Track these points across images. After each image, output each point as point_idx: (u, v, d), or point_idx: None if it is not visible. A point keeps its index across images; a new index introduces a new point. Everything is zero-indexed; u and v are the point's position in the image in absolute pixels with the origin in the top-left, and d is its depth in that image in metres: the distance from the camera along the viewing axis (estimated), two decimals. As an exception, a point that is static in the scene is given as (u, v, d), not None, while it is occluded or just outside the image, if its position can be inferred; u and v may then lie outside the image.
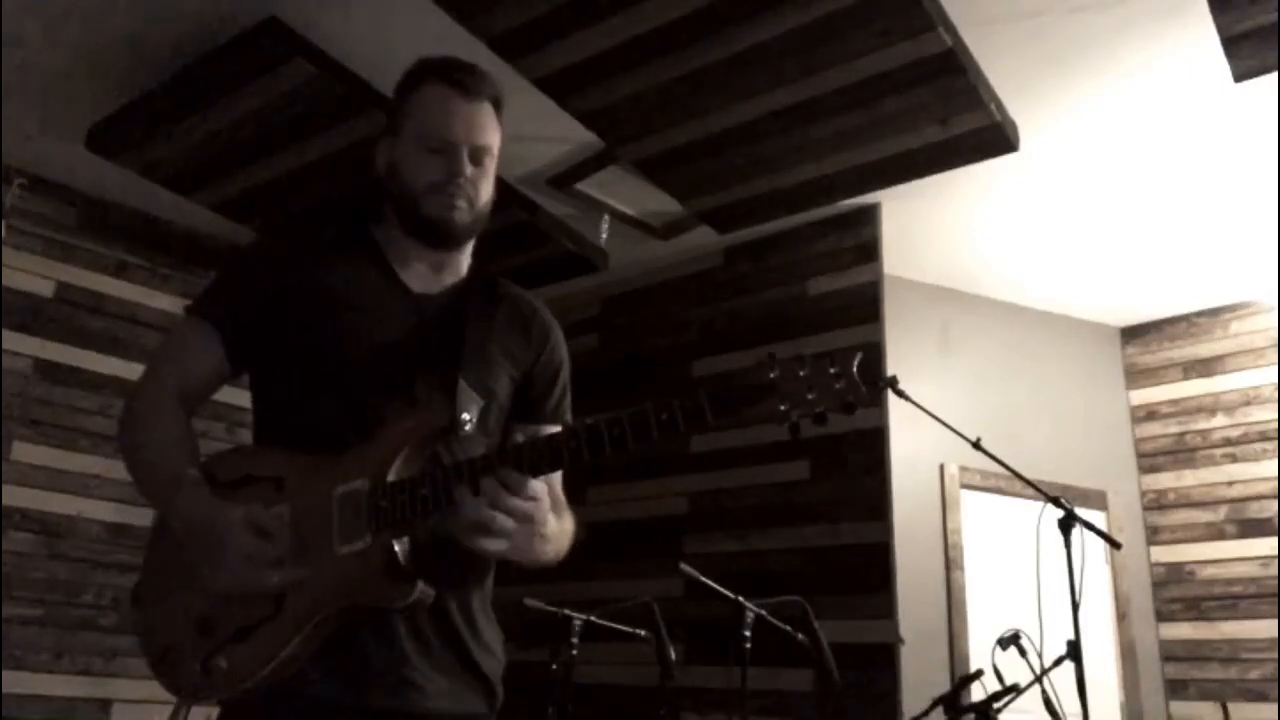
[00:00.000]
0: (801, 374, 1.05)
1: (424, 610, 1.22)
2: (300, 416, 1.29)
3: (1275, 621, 4.04)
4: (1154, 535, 4.49)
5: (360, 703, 1.19)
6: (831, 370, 1.05)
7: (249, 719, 1.21)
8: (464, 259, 1.42)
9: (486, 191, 1.36)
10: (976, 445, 2.72)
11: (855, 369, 1.04)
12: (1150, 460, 4.60)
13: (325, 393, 1.27)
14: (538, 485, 1.14)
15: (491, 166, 1.37)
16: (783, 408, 1.05)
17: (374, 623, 1.20)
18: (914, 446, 3.79)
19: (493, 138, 1.36)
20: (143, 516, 3.90)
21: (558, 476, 1.37)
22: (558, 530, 1.28)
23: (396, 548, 1.16)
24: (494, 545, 1.13)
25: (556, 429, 1.30)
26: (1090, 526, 2.59)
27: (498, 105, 1.37)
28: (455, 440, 1.25)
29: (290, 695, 1.18)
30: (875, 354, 3.65)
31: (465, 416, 1.25)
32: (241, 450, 1.35)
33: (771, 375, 1.06)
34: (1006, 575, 3.86)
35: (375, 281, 1.34)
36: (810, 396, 1.05)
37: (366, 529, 1.16)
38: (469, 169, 1.32)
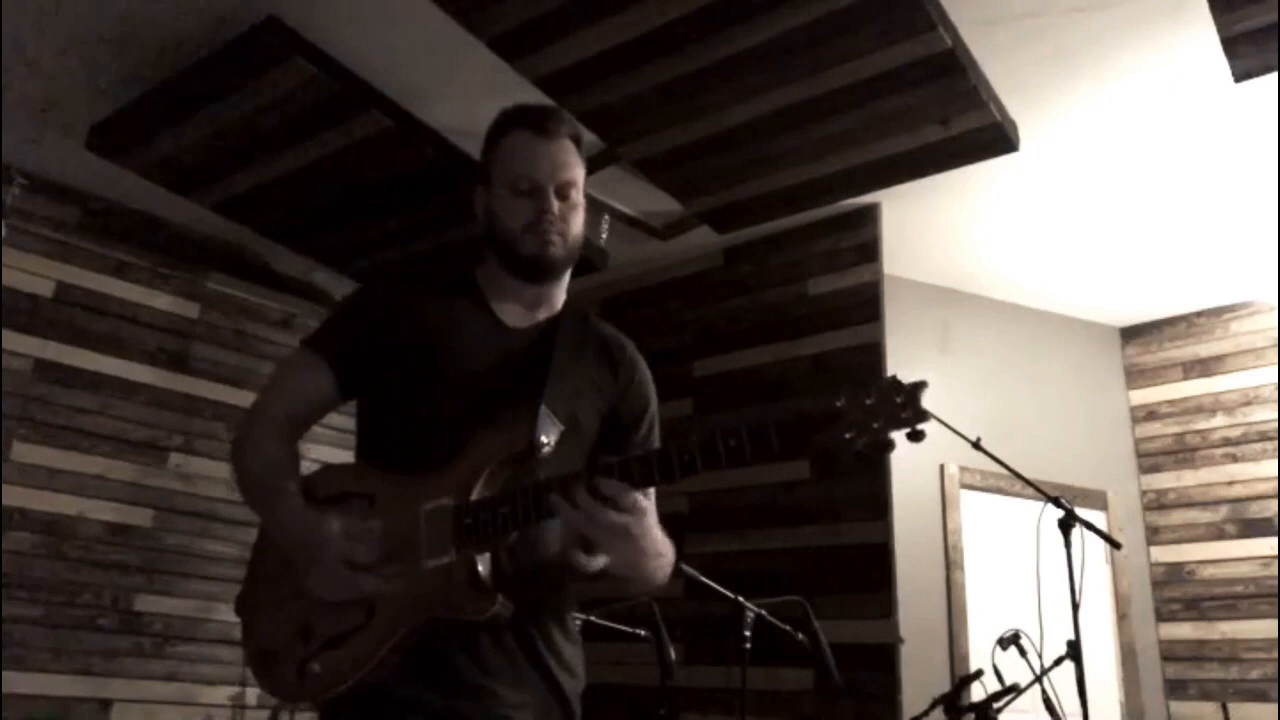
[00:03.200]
0: (868, 402, 1.09)
1: (505, 626, 1.28)
2: (397, 440, 1.38)
3: (1275, 621, 4.04)
4: (1154, 535, 4.49)
5: (446, 705, 1.26)
6: (898, 399, 1.08)
7: (345, 717, 1.29)
8: (559, 294, 1.51)
9: (577, 224, 1.45)
10: (976, 445, 2.72)
11: (920, 398, 1.08)
12: (1150, 460, 4.60)
13: (420, 419, 1.37)
14: (638, 498, 1.19)
15: (578, 198, 1.45)
16: (848, 435, 1.09)
17: (461, 636, 1.27)
18: (914, 446, 3.78)
19: (576, 173, 1.45)
20: (143, 517, 3.92)
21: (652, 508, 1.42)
22: (665, 553, 1.33)
23: (479, 563, 1.23)
24: (593, 563, 1.23)
25: None
26: (1090, 526, 2.59)
27: (578, 141, 1.47)
28: (535, 463, 1.30)
29: (382, 697, 1.26)
30: (875, 354, 3.66)
31: (544, 439, 1.31)
32: (341, 468, 1.44)
33: (838, 404, 1.09)
34: (1006, 575, 3.86)
35: (472, 318, 1.45)
36: (876, 425, 1.08)
37: (451, 544, 1.24)
38: (557, 205, 1.41)
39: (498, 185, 1.44)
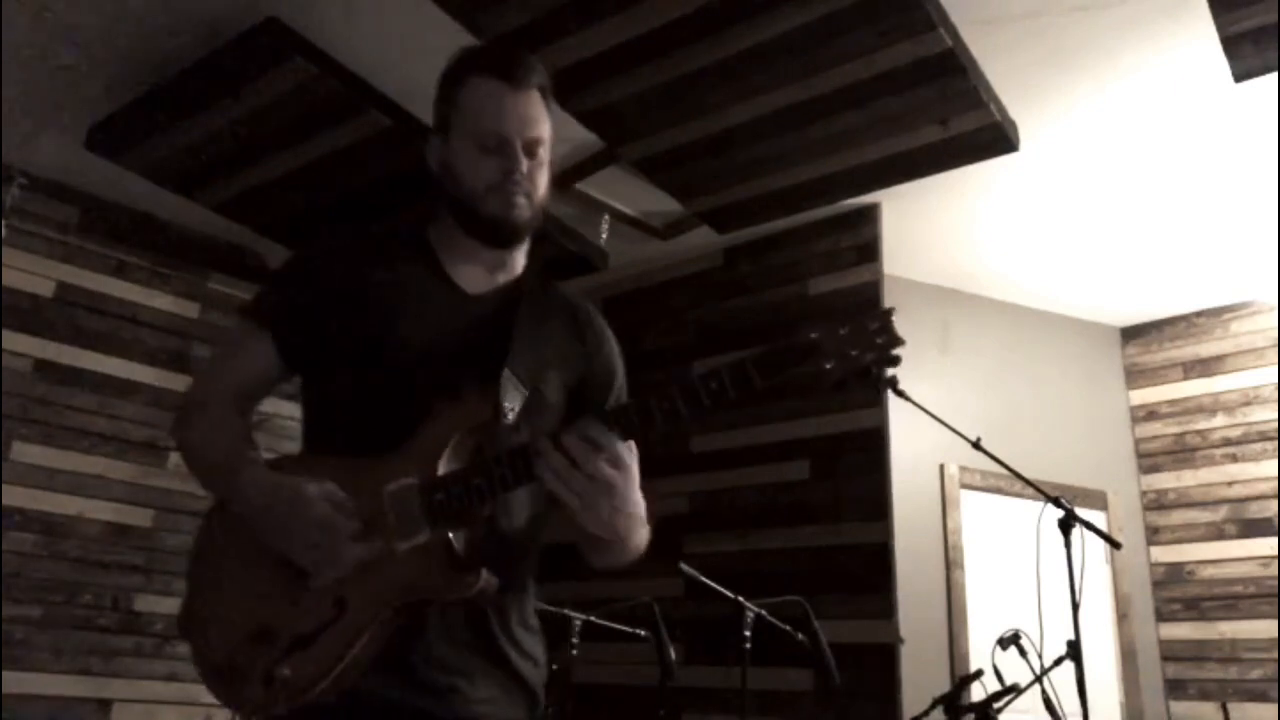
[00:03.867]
0: (842, 332, 1.09)
1: (488, 604, 1.22)
2: (349, 419, 1.28)
3: (1275, 621, 4.04)
4: (1154, 535, 4.49)
5: (408, 704, 1.20)
6: (872, 326, 1.09)
7: None
8: (519, 258, 1.41)
9: (543, 184, 1.34)
10: (976, 445, 2.72)
11: (893, 324, 1.09)
12: (1150, 460, 4.60)
13: (374, 394, 1.26)
14: (622, 453, 1.12)
15: (546, 157, 1.34)
16: (828, 365, 1.09)
17: (416, 632, 1.20)
18: (914, 446, 3.79)
19: (544, 128, 1.33)
20: (143, 517, 3.92)
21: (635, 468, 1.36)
22: (641, 513, 1.23)
23: (454, 540, 1.16)
24: (572, 502, 1.12)
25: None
26: (1090, 526, 2.58)
27: (545, 92, 1.34)
28: (501, 431, 1.23)
29: (347, 703, 1.17)
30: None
31: (508, 406, 1.23)
32: (284, 459, 1.33)
33: (814, 336, 1.09)
34: (1006, 575, 3.85)
35: (426, 282, 1.33)
36: (854, 353, 1.09)
37: (424, 523, 1.16)
38: (525, 163, 1.30)
39: (458, 138, 1.31)
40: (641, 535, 1.25)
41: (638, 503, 1.18)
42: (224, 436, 1.28)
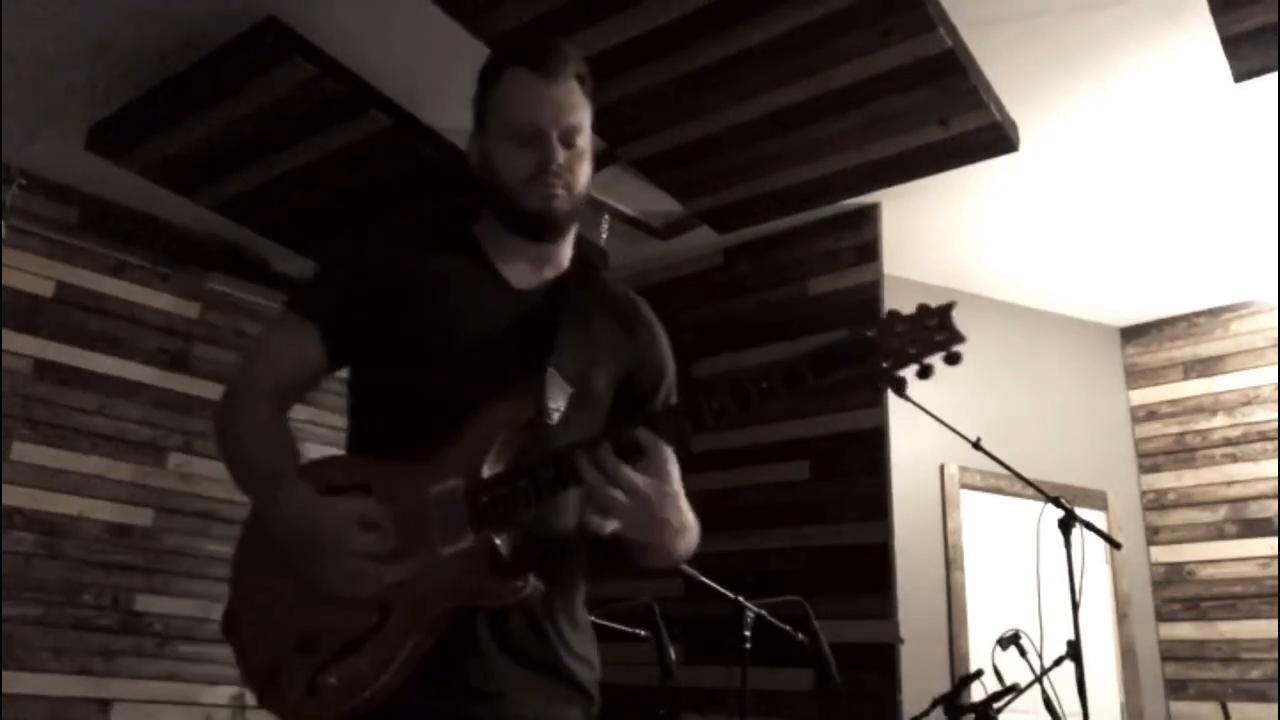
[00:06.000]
0: (899, 329, 1.06)
1: (535, 607, 1.21)
2: (395, 416, 1.26)
3: (1275, 621, 4.04)
4: (1154, 535, 4.49)
5: (463, 713, 1.17)
6: (930, 323, 1.06)
7: None
8: (565, 251, 1.38)
9: (584, 174, 1.32)
10: (976, 445, 2.72)
11: (953, 318, 1.06)
12: (1150, 460, 4.59)
13: (420, 392, 1.24)
14: (665, 460, 1.12)
15: (586, 145, 1.32)
16: (885, 365, 1.06)
17: (466, 638, 1.18)
18: (914, 446, 3.79)
19: (582, 116, 1.31)
20: (143, 517, 3.92)
21: (677, 476, 1.35)
22: (684, 521, 1.22)
23: (499, 543, 1.14)
24: (608, 522, 1.11)
25: None
26: (1090, 526, 2.58)
27: (583, 80, 1.32)
28: (546, 431, 1.21)
29: (396, 713, 1.15)
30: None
31: (552, 405, 1.21)
32: (325, 461, 1.30)
33: (870, 334, 1.06)
34: (1006, 575, 3.85)
35: (474, 278, 1.31)
36: (912, 350, 1.05)
37: (468, 526, 1.14)
38: (562, 154, 1.27)
39: (494, 132, 1.29)
40: (684, 542, 1.24)
41: (679, 510, 1.17)
42: (264, 441, 1.25)
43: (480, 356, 1.25)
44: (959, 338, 1.05)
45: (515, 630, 1.21)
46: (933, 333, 1.05)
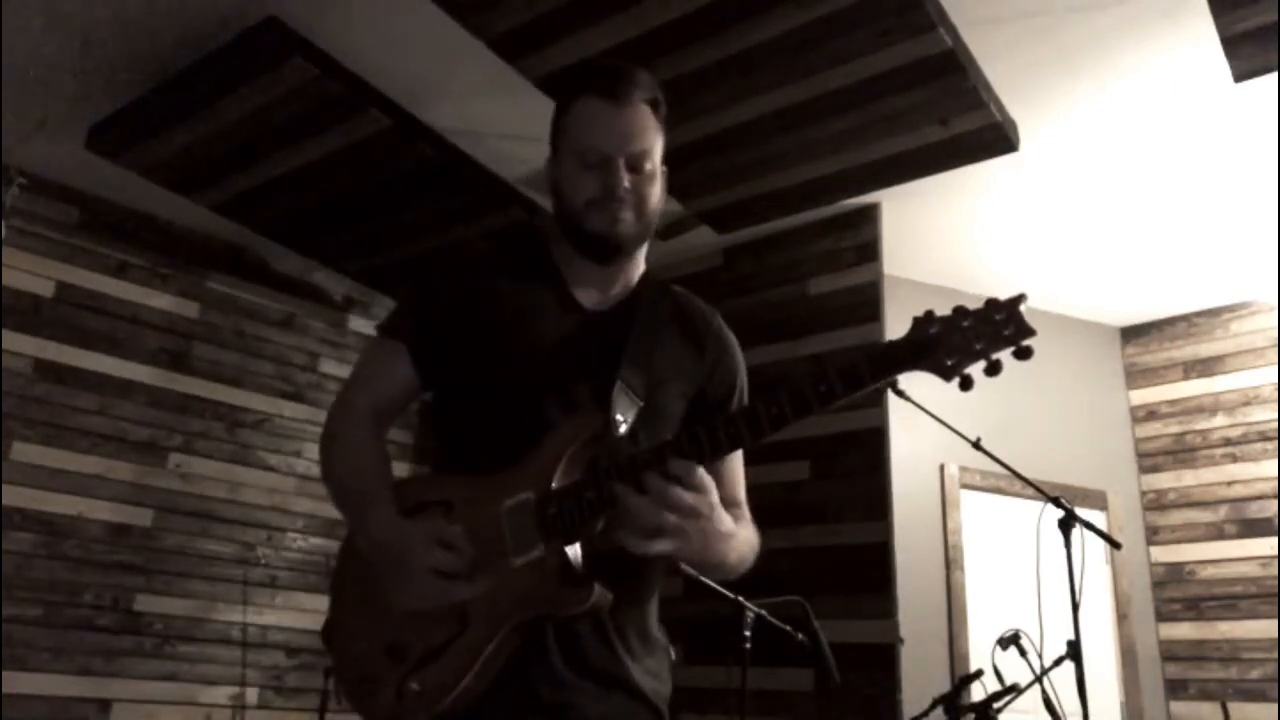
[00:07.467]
0: (965, 324, 1.04)
1: (604, 619, 1.24)
2: (476, 435, 1.31)
3: (1275, 621, 4.04)
4: (1154, 535, 4.49)
5: None
6: (997, 317, 1.03)
7: None
8: (635, 269, 1.43)
9: (654, 196, 1.36)
10: (976, 445, 2.72)
11: (1021, 312, 1.02)
12: (1150, 460, 4.59)
13: (498, 411, 1.29)
14: (705, 479, 1.12)
15: (654, 169, 1.36)
16: (949, 362, 1.05)
17: (536, 649, 1.21)
18: (914, 446, 3.79)
19: (650, 140, 1.36)
20: (143, 517, 3.92)
21: (740, 482, 1.38)
22: (737, 532, 1.23)
23: (570, 554, 1.17)
24: (659, 546, 1.11)
25: None
26: (1090, 526, 2.58)
27: (655, 105, 1.38)
28: (615, 442, 1.23)
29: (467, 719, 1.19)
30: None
31: (619, 418, 1.24)
32: (412, 480, 1.38)
33: (933, 331, 1.05)
34: (1006, 575, 3.85)
35: (549, 300, 1.35)
36: (979, 346, 1.03)
37: (539, 538, 1.17)
38: (628, 178, 1.32)
39: (564, 157, 1.35)
40: (734, 550, 1.24)
41: (723, 518, 1.17)
42: (355, 466, 1.31)
43: (552, 377, 1.29)
44: (1028, 331, 1.01)
45: (585, 643, 1.24)
46: (1000, 326, 1.02)
